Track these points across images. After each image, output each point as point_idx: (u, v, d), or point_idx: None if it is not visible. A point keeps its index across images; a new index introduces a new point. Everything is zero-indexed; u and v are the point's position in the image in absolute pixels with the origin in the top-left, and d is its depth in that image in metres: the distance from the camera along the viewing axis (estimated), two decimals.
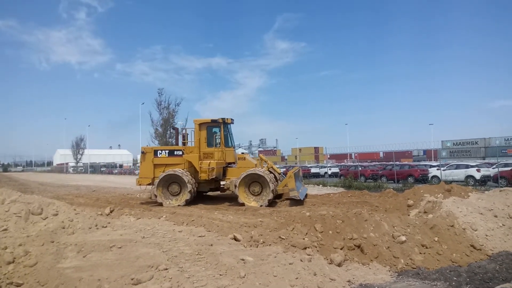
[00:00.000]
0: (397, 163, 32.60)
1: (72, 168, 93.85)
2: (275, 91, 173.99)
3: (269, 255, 6.24)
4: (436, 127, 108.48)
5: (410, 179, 26.11)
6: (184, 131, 16.61)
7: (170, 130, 57.92)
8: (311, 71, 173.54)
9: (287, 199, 14.35)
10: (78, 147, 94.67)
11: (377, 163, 42.27)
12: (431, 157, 48.66)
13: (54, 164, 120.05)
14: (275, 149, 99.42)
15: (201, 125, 15.69)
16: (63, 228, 7.65)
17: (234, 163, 16.02)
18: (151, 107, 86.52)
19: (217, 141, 15.50)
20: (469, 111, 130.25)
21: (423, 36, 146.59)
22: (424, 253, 6.71)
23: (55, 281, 5.18)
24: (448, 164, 27.87)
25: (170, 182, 14.92)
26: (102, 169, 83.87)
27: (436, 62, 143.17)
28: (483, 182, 22.93)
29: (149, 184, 15.92)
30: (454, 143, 49.50)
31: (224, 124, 15.64)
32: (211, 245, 6.91)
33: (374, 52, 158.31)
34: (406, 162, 39.28)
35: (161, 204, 14.54)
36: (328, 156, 57.00)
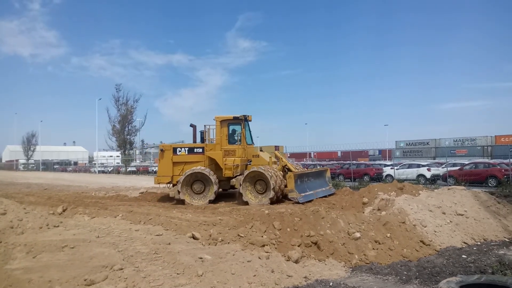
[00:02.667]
0: (354, 162, 33.56)
1: (22, 165, 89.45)
2: (237, 90, 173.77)
3: (228, 253, 6.25)
4: (390, 127, 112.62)
5: (366, 178, 26.95)
6: (204, 128, 16.30)
7: (128, 127, 56.54)
8: (273, 70, 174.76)
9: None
10: (29, 143, 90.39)
11: (335, 162, 43.29)
12: (386, 156, 50.52)
13: (3, 161, 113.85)
14: None
15: (222, 122, 15.46)
16: (12, 227, 7.30)
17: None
18: (108, 103, 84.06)
19: (238, 138, 15.32)
20: (421, 113, 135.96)
21: (378, 36, 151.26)
22: (377, 249, 6.96)
23: (2, 283, 4.93)
24: (401, 164, 29.04)
25: (194, 181, 14.62)
26: (55, 166, 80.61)
27: (389, 62, 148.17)
28: (433, 181, 24.04)
29: (168, 183, 15.57)
30: (407, 144, 51.64)
31: (245, 121, 15.44)
32: (169, 244, 6.82)
33: (333, 52, 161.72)
34: (362, 162, 40.51)
35: (183, 202, 14.25)
36: (288, 155, 57.73)
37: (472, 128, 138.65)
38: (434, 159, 41.00)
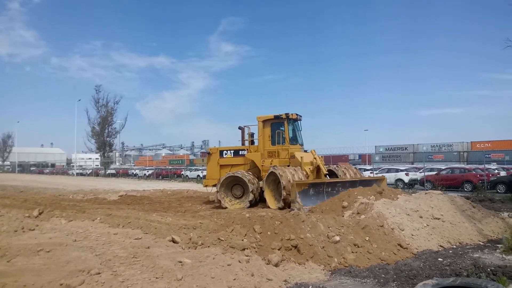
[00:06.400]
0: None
1: None
2: (219, 93, 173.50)
3: (208, 256, 6.21)
4: (370, 132, 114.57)
5: None
6: (248, 130, 16.00)
7: (108, 129, 55.67)
8: (255, 75, 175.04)
9: None
10: (5, 144, 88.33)
11: None
12: (365, 161, 51.21)
13: None
14: None
15: (264, 122, 15.03)
16: None
17: None
18: (88, 105, 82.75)
19: (282, 139, 14.73)
20: (400, 119, 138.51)
21: (358, 43, 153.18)
22: (356, 252, 7.04)
23: None
24: (380, 168, 29.51)
25: (234, 184, 14.29)
26: (32, 168, 78.84)
27: (369, 69, 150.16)
28: (411, 185, 24.54)
29: (214, 185, 15.20)
30: (386, 149, 52.62)
31: (288, 119, 14.85)
32: (148, 247, 6.73)
33: (315, 58, 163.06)
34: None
35: (222, 207, 13.90)
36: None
37: (449, 134, 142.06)
38: (412, 164, 41.82)
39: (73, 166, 70.16)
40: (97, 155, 63.71)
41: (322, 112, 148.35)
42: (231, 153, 15.77)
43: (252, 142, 15.98)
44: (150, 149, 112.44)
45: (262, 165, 14.61)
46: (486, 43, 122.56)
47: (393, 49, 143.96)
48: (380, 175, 21.03)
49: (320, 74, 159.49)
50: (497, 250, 7.67)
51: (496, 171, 25.75)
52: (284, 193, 12.50)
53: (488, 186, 20.71)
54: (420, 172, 26.41)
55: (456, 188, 22.02)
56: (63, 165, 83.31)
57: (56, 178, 46.73)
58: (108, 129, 56.30)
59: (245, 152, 15.57)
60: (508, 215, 11.28)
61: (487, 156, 39.57)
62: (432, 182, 22.17)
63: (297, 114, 15.35)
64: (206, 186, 16.27)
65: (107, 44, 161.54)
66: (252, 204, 13.93)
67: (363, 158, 53.56)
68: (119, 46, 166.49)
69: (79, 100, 61.73)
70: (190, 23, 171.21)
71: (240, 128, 16.59)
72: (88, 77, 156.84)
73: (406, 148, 50.66)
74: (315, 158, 14.43)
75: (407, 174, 25.83)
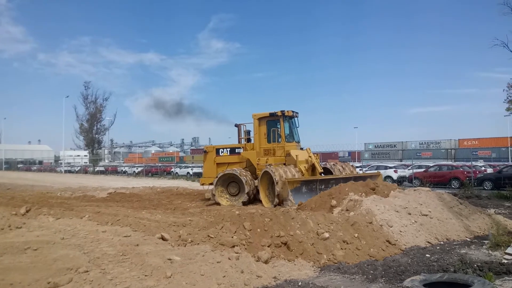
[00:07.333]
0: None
1: None
2: (209, 91, 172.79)
3: (197, 254, 6.19)
4: (360, 130, 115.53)
5: None
6: (244, 127, 15.90)
7: (96, 126, 55.17)
8: (246, 72, 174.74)
9: None
10: None
11: None
12: (355, 158, 51.52)
13: None
14: None
15: (260, 119, 14.91)
16: None
17: None
18: (76, 101, 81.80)
19: (277, 136, 14.65)
20: (389, 116, 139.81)
21: (348, 41, 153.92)
22: (345, 249, 7.08)
23: None
24: (369, 165, 29.73)
25: (229, 182, 14.19)
26: (19, 165, 77.89)
27: (358, 67, 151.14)
28: (400, 182, 24.74)
29: (211, 184, 15.13)
30: (375, 146, 52.99)
31: (284, 117, 14.73)
32: (137, 245, 6.69)
33: (305, 56, 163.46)
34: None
35: (218, 204, 13.82)
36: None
37: (437, 132, 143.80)
38: (401, 161, 42.23)
39: (61, 163, 69.40)
40: (86, 152, 63.18)
41: (312, 109, 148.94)
42: (227, 151, 15.75)
43: (248, 140, 15.98)
44: (139, 146, 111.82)
45: (258, 163, 14.55)
46: (474, 41, 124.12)
47: (382, 47, 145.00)
48: (375, 171, 21.23)
49: (310, 71, 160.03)
50: (484, 246, 7.77)
51: (483, 168, 26.12)
52: (277, 192, 12.40)
53: (475, 183, 20.98)
54: (408, 169, 26.66)
55: (444, 185, 22.28)
56: (51, 162, 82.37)
57: (43, 176, 46.18)
58: (96, 126, 56.00)
59: (241, 150, 15.52)
60: (494, 212, 11.49)
61: (474, 153, 40.13)
62: (420, 179, 22.34)
63: (293, 111, 15.26)
64: (203, 184, 16.23)
65: (96, 40, 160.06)
66: (247, 202, 13.87)
67: (353, 155, 53.89)
68: (108, 42, 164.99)
69: (67, 96, 61.02)
70: (180, 20, 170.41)
71: (236, 125, 16.52)
72: (77, 74, 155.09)
73: (395, 146, 51.12)
74: (310, 157, 14.32)
75: (395, 171, 26.05)
